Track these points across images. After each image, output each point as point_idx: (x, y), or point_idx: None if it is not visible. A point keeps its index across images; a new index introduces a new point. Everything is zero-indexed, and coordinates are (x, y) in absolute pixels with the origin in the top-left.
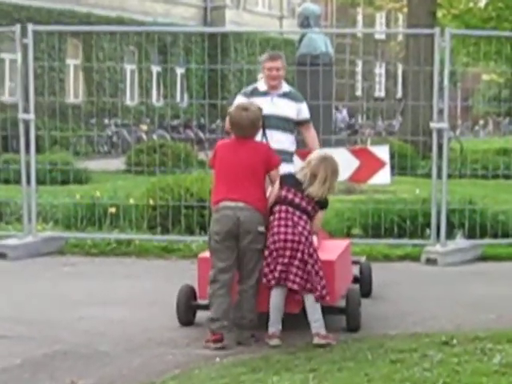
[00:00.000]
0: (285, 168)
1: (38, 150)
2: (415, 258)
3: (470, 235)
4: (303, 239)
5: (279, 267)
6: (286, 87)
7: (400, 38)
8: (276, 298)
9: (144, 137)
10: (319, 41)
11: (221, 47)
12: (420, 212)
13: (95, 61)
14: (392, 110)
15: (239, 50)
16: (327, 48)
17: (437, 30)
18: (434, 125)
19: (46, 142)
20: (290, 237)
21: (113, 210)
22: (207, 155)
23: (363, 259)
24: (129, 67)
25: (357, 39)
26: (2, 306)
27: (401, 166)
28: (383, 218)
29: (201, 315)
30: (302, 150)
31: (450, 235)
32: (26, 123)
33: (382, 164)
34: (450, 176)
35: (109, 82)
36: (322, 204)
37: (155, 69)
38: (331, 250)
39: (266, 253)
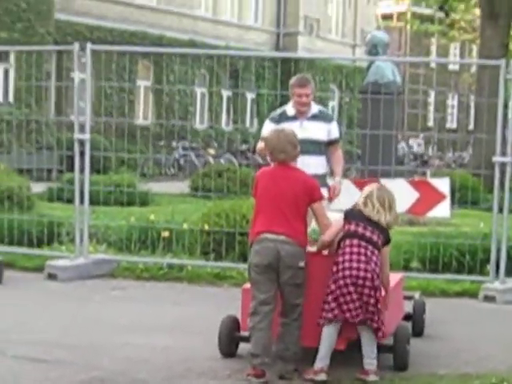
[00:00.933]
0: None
1: (105, 170)
2: (473, 295)
3: None
4: (375, 276)
5: (346, 305)
6: (314, 108)
7: (473, 69)
8: (330, 332)
9: (211, 160)
10: (386, 69)
11: (293, 74)
12: (480, 247)
13: (165, 83)
14: (463, 141)
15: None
16: (395, 76)
17: (502, 62)
18: (496, 158)
19: (112, 163)
20: (362, 273)
21: (166, 233)
22: None
23: (417, 295)
24: (199, 91)
25: (430, 70)
26: (46, 328)
27: (465, 199)
28: (442, 252)
29: (244, 347)
30: (359, 179)
31: (511, 272)
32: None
33: (442, 197)
34: None
35: (179, 105)
36: (388, 237)
37: (226, 93)
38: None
39: (332, 287)
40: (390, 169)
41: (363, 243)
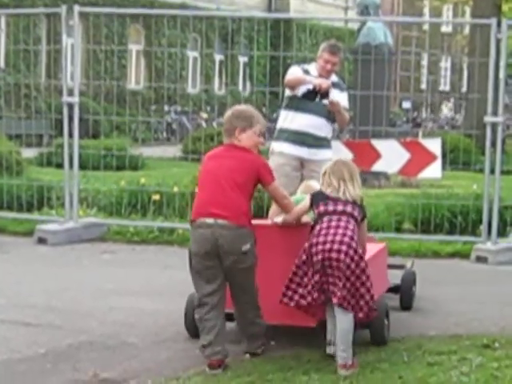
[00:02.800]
0: (327, 154)
1: (95, 135)
2: (465, 256)
3: None
4: (351, 252)
5: (321, 284)
6: (334, 77)
7: (466, 31)
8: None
9: (204, 124)
10: (378, 31)
11: (284, 36)
12: (472, 208)
13: (157, 47)
14: (456, 103)
15: (302, 40)
16: (386, 38)
17: (493, 21)
18: (488, 119)
19: (104, 128)
20: (336, 246)
21: (156, 197)
22: (264, 145)
23: (409, 264)
24: (191, 54)
25: (423, 32)
26: (36, 292)
27: (457, 161)
28: (434, 213)
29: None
30: (349, 140)
31: (504, 233)
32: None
33: (433, 157)
34: (509, 172)
35: (170, 69)
36: (364, 212)
37: (218, 57)
38: None
39: (304, 269)
40: (381, 129)
41: (335, 217)
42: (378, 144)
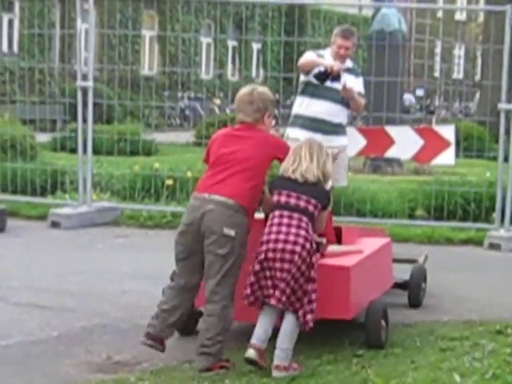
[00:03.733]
0: (343, 141)
1: (109, 120)
2: (478, 243)
3: None
4: (298, 249)
5: (263, 282)
6: (349, 62)
7: (480, 19)
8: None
9: (217, 110)
10: (392, 17)
11: (298, 23)
12: (485, 195)
13: (171, 33)
14: (470, 92)
15: (316, 27)
16: (400, 25)
17: (508, 7)
18: (502, 105)
19: (115, 113)
20: (280, 245)
21: (170, 182)
22: (278, 130)
23: (422, 258)
24: (205, 40)
25: (437, 20)
26: (49, 276)
27: (471, 149)
28: (447, 200)
29: None
30: (363, 127)
31: None
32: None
33: (446, 144)
34: None
35: (184, 55)
36: (323, 199)
37: (231, 43)
38: (353, 252)
39: (256, 267)
40: (394, 116)
41: (286, 213)
42: (392, 130)
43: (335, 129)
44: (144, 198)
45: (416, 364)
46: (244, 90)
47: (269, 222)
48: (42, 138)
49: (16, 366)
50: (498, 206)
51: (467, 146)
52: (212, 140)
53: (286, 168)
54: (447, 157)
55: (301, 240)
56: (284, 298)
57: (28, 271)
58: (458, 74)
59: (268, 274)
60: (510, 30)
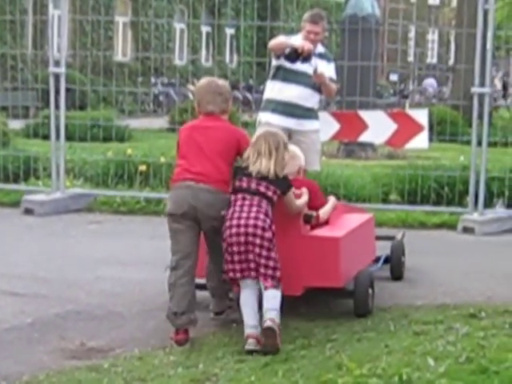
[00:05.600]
0: (314, 125)
1: (82, 107)
2: (452, 227)
3: (510, 205)
4: (258, 232)
5: (238, 264)
6: (320, 48)
7: (454, 3)
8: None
9: (191, 96)
10: (366, 2)
11: (271, 8)
12: (459, 179)
13: (144, 18)
14: (443, 76)
15: (290, 12)
16: (374, 10)
17: None
18: (475, 89)
19: (89, 99)
20: (242, 229)
21: (143, 167)
22: (251, 116)
23: (400, 235)
24: (178, 26)
25: (410, 5)
26: (22, 262)
27: (445, 133)
28: (420, 184)
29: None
30: (336, 111)
31: (490, 204)
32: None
33: (420, 128)
34: (496, 144)
35: (157, 41)
36: (282, 186)
37: (205, 29)
38: (342, 225)
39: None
40: (368, 100)
41: (248, 196)
42: (365, 115)
43: (307, 113)
44: (117, 183)
45: (390, 348)
46: (210, 82)
47: (231, 206)
48: (15, 124)
49: None
50: (472, 189)
51: (441, 130)
52: (180, 133)
53: (246, 159)
54: (421, 141)
55: (260, 223)
56: (254, 273)
57: (1, 258)
58: (431, 58)
59: (236, 256)
60: (483, 14)
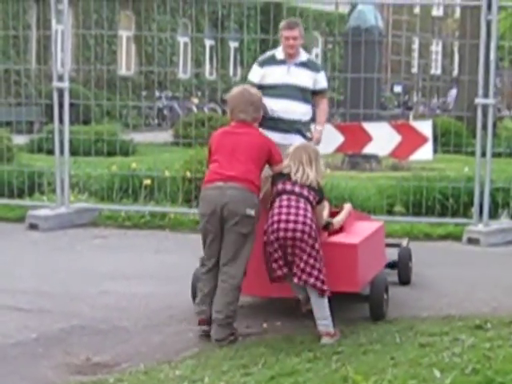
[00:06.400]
0: (296, 140)
1: (86, 121)
2: (457, 238)
3: None
4: (307, 229)
5: (281, 261)
6: (303, 56)
7: (457, 14)
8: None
9: (195, 109)
10: (369, 14)
11: (274, 21)
12: (463, 190)
13: (147, 32)
14: (447, 87)
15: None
16: (377, 21)
17: (483, 2)
18: (479, 100)
19: (95, 114)
20: (291, 225)
21: (148, 181)
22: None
23: (405, 242)
24: (182, 40)
25: (414, 16)
26: (26, 277)
27: (449, 144)
28: (425, 196)
29: None
30: (340, 123)
31: (495, 215)
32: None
33: (424, 139)
34: (500, 155)
35: (161, 55)
36: (320, 195)
37: (208, 42)
38: (357, 232)
39: (270, 247)
40: (372, 112)
41: (293, 197)
42: (369, 127)
43: (293, 126)
44: (122, 198)
45: (396, 360)
46: (243, 91)
47: (277, 204)
48: (20, 139)
49: None
50: (476, 200)
51: (445, 142)
52: (213, 138)
53: (286, 168)
54: (425, 152)
55: (308, 221)
56: (300, 274)
57: (6, 273)
58: (435, 69)
59: (280, 252)
60: (486, 25)
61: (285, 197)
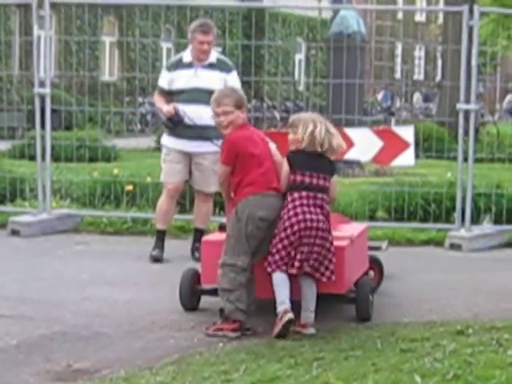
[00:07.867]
0: (210, 147)
1: (68, 127)
2: (439, 243)
3: (497, 220)
4: (326, 226)
5: (299, 256)
6: (212, 57)
7: (440, 20)
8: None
9: None
10: (351, 19)
11: (257, 26)
12: (445, 196)
13: (130, 38)
14: (430, 93)
15: (276, 30)
16: (360, 27)
17: (465, 8)
18: (460, 106)
19: (78, 120)
20: (314, 224)
21: (130, 187)
22: None
23: (385, 245)
24: (165, 46)
25: (397, 22)
26: (7, 284)
27: (431, 149)
28: (407, 201)
29: (205, 300)
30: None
31: (477, 220)
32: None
33: (406, 145)
34: (482, 160)
35: (145, 60)
36: (334, 170)
37: None
38: (343, 234)
39: (282, 235)
40: (354, 118)
41: (311, 194)
42: (351, 132)
43: (202, 133)
44: (104, 204)
45: (377, 366)
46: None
47: (297, 202)
48: (1, 145)
49: None
50: (459, 206)
51: (427, 147)
52: (234, 143)
53: (311, 140)
54: (407, 158)
55: (325, 226)
56: (307, 268)
57: None
58: (418, 75)
59: (299, 248)
60: (467, 30)
61: (304, 194)
